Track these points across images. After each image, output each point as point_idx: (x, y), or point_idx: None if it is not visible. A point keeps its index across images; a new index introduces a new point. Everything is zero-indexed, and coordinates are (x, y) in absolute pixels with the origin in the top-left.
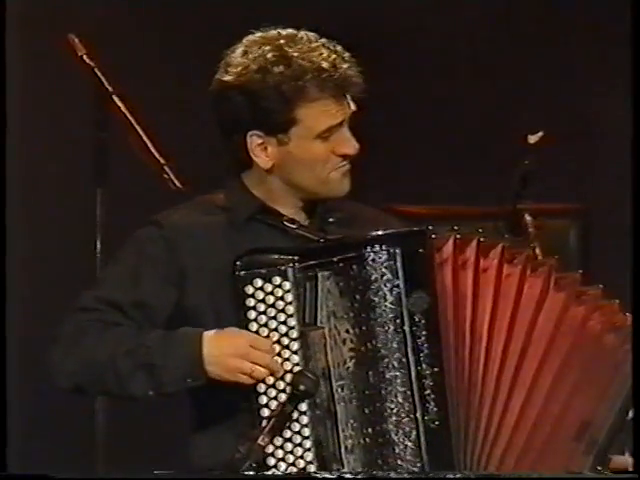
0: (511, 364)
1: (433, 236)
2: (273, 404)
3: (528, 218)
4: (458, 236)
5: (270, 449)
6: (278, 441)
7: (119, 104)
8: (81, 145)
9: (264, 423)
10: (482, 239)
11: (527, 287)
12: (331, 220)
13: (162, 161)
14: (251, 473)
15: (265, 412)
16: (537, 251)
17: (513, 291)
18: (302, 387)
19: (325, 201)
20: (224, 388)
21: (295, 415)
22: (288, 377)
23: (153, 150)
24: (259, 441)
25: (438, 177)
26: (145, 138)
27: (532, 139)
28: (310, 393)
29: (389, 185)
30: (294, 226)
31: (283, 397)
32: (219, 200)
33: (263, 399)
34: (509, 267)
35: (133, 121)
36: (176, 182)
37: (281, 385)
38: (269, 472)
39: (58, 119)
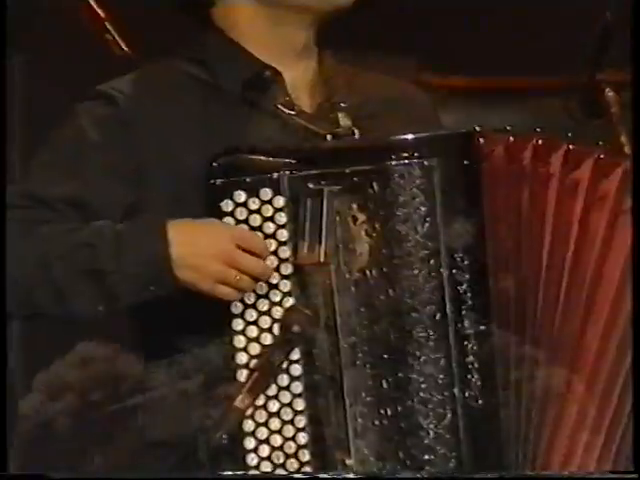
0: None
1: (481, 140)
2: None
3: (610, 93)
4: (511, 138)
5: (250, 425)
6: (262, 416)
7: None
8: None
9: (244, 378)
10: (540, 140)
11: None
12: (343, 105)
13: (103, 15)
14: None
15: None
16: (623, 139)
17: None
18: (296, 327)
19: (327, 16)
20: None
21: (286, 381)
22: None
23: (91, 1)
24: (237, 403)
25: (487, 38)
26: None
27: None
28: (306, 336)
29: (421, 48)
30: (292, 112)
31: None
32: (193, 64)
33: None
34: (578, 174)
35: None
36: (122, 44)
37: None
38: (247, 457)
39: None
